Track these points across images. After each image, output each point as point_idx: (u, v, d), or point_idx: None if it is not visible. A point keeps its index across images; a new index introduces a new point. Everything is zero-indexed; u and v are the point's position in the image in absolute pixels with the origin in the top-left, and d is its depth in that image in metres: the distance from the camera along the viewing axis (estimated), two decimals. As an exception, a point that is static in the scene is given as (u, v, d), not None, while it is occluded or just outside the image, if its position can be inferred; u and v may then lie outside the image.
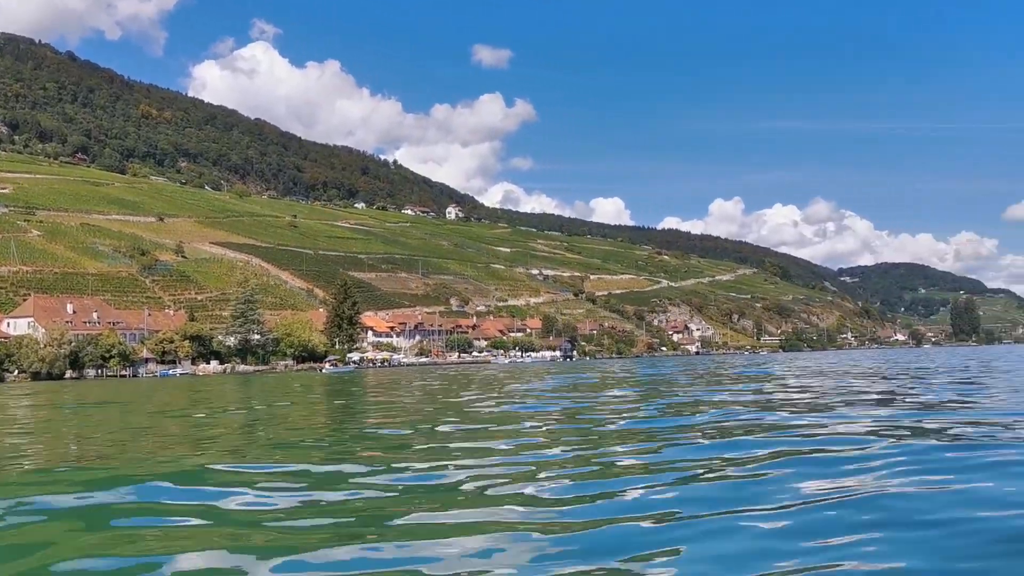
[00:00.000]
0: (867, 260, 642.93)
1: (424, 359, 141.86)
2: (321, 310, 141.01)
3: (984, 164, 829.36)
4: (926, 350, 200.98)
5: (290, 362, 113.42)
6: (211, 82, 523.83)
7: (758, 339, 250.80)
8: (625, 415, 17.84)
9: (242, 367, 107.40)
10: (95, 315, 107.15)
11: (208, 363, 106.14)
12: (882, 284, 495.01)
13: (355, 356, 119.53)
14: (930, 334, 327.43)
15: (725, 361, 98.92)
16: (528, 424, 16.34)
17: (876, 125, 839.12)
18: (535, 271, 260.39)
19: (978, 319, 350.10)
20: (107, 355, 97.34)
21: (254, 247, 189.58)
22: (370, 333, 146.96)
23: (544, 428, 15.61)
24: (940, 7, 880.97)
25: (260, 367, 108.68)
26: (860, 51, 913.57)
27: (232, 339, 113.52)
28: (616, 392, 27.92)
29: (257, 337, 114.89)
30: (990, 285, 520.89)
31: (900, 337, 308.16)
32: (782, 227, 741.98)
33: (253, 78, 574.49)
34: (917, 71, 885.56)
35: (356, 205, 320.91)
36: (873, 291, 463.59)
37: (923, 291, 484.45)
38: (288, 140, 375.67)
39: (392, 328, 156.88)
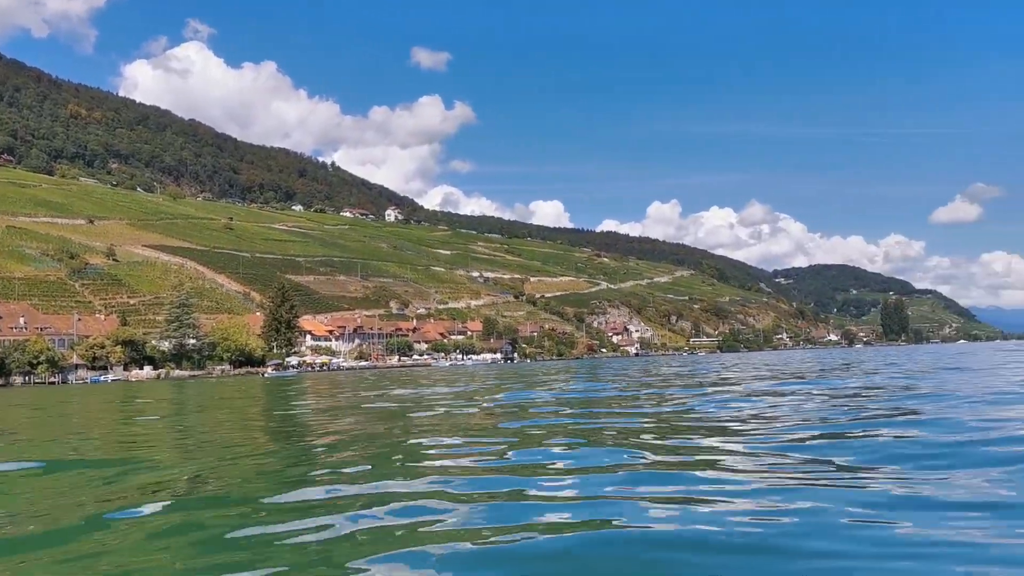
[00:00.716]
0: (801, 262, 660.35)
1: (364, 363, 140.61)
2: (258, 314, 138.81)
3: (912, 169, 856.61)
4: (857, 350, 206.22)
5: (227, 367, 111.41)
6: (143, 82, 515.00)
7: (695, 340, 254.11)
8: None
9: (177, 372, 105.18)
10: (22, 320, 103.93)
11: (141, 369, 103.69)
12: (815, 285, 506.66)
13: (293, 360, 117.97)
14: (862, 334, 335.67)
15: (685, 372, 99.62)
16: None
17: (809, 130, 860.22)
18: (475, 273, 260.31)
19: (907, 319, 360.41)
20: (35, 361, 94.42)
21: (189, 250, 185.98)
22: (308, 337, 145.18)
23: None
24: (876, 15, 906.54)
25: (196, 372, 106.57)
26: (794, 58, 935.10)
27: (166, 344, 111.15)
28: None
29: (193, 342, 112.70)
30: (918, 286, 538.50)
31: (833, 337, 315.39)
32: (719, 229, 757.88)
33: (187, 78, 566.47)
34: (847, 79, 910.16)
35: (294, 207, 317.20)
36: (807, 292, 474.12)
37: (855, 292, 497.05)
38: (223, 141, 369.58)
39: (331, 332, 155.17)
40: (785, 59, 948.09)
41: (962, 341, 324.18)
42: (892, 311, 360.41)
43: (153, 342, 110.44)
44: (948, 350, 77.40)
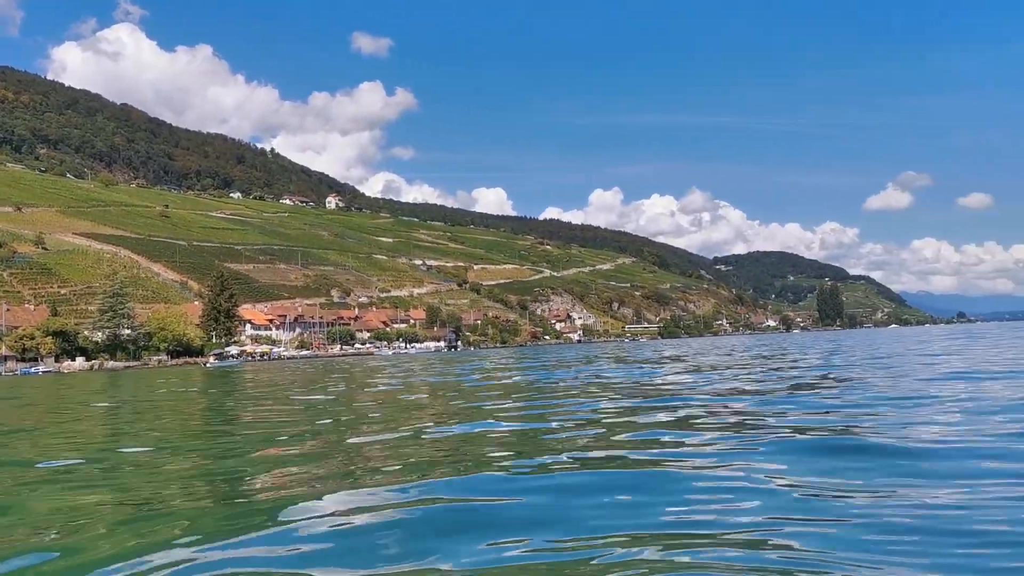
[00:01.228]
0: (740, 249, 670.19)
1: (305, 352, 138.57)
2: (196, 303, 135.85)
3: (846, 158, 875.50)
4: (795, 335, 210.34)
5: (164, 357, 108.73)
6: (72, 65, 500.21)
7: (637, 326, 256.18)
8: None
9: (111, 363, 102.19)
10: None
11: (74, 360, 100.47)
12: (754, 272, 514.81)
13: (233, 350, 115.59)
14: (799, 319, 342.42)
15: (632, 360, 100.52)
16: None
17: (748, 119, 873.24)
18: (418, 261, 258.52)
19: (842, 304, 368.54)
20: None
21: (122, 238, 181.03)
22: (248, 326, 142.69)
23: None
24: (808, 8, 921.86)
25: (131, 363, 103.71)
26: (731, 48, 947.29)
27: (100, 334, 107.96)
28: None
29: (128, 332, 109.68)
30: (852, 272, 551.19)
31: (771, 323, 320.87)
32: (660, 217, 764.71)
33: (118, 61, 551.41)
34: (785, 71, 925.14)
35: (232, 195, 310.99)
36: (746, 279, 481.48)
37: (792, 278, 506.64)
38: (157, 127, 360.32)
39: (271, 321, 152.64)
40: (723, 50, 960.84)
41: (894, 326, 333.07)
42: (828, 297, 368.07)
43: (86, 332, 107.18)
44: (880, 336, 79.50)
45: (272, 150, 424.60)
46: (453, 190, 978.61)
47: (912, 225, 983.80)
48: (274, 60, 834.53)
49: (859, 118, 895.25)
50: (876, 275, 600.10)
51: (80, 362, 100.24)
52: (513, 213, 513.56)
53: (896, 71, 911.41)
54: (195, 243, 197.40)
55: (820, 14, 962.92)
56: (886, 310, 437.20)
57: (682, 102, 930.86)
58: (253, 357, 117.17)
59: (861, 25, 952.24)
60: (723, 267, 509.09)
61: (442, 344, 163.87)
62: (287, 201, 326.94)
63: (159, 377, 55.16)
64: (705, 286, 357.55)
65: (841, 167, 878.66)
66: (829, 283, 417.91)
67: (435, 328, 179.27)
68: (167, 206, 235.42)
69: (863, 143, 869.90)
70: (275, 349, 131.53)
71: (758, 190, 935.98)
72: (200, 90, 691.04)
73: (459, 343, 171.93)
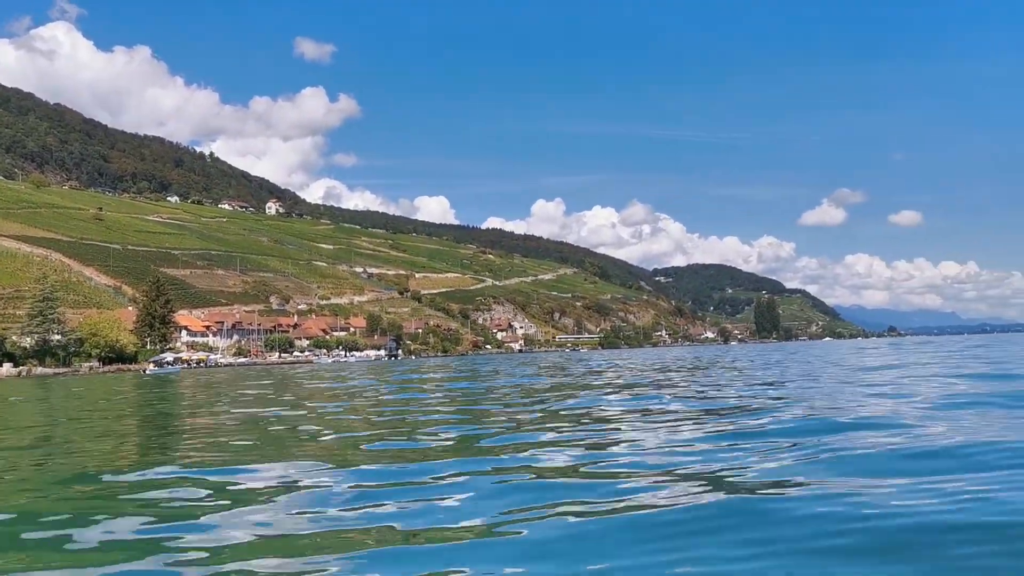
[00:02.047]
0: (680, 261, 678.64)
1: (243, 359, 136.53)
2: (131, 308, 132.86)
3: (783, 173, 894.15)
4: (732, 347, 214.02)
5: (95, 363, 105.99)
6: (4, 62, 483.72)
7: (578, 336, 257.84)
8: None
9: (40, 370, 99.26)
10: None
11: (1, 366, 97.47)
12: (693, 284, 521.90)
13: (168, 356, 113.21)
14: (736, 331, 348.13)
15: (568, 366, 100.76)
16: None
17: (688, 133, 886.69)
18: (359, 269, 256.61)
19: (778, 317, 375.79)
20: None
21: (54, 241, 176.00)
22: (184, 332, 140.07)
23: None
24: (747, 22, 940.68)
25: (61, 369, 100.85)
26: (673, 61, 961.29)
27: (29, 340, 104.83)
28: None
29: (58, 337, 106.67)
30: (788, 285, 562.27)
31: (710, 335, 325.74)
32: (601, 228, 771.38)
33: (53, 60, 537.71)
34: (724, 84, 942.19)
35: (169, 199, 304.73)
36: (685, 291, 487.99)
37: (730, 291, 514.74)
38: (92, 128, 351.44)
39: (208, 327, 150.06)
40: (665, 63, 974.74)
41: (828, 339, 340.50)
42: (765, 309, 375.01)
43: (14, 338, 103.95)
44: (818, 350, 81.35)
45: (211, 154, 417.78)
46: (395, 198, 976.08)
47: (846, 240, 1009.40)
48: (215, 63, 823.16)
49: (796, 134, 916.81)
50: (811, 289, 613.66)
51: (7, 368, 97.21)
52: (456, 222, 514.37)
53: (833, 87, 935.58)
54: (130, 247, 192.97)
55: (761, 29, 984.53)
56: (821, 323, 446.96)
57: (624, 114, 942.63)
58: (189, 364, 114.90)
59: (800, 41, 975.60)
60: (663, 279, 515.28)
61: (382, 353, 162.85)
62: (226, 206, 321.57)
63: (91, 385, 53.69)
64: (645, 297, 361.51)
65: (778, 182, 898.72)
66: (766, 296, 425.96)
67: (376, 336, 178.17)
68: (101, 208, 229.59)
69: (800, 159, 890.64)
70: (211, 356, 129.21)
71: (697, 203, 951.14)
72: (138, 91, 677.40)
73: (400, 352, 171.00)
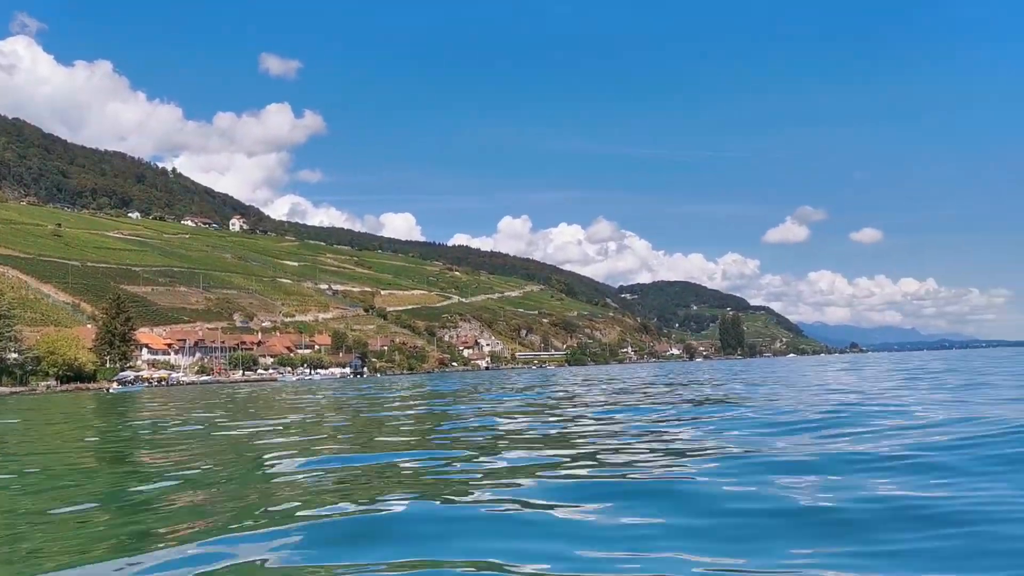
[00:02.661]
0: (645, 278, 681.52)
1: (205, 377, 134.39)
2: (90, 326, 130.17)
3: (747, 191, 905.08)
4: (698, 363, 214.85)
5: (53, 382, 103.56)
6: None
7: (545, 353, 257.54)
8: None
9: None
10: None
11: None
12: (659, 301, 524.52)
13: (129, 375, 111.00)
14: (701, 348, 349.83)
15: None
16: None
17: (653, 150, 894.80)
18: (324, 286, 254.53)
19: (743, 334, 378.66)
20: None
21: (10, 257, 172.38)
22: (145, 350, 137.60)
23: None
24: (715, 41, 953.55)
25: (17, 388, 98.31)
26: (637, 79, 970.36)
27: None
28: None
29: (14, 356, 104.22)
30: (752, 302, 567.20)
31: (675, 351, 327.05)
32: (567, 245, 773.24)
33: (12, 74, 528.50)
34: (687, 101, 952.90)
35: (130, 215, 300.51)
36: (651, 307, 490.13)
37: (695, 308, 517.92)
38: (52, 143, 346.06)
39: (170, 345, 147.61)
40: (630, 81, 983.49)
41: (791, 355, 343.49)
42: (729, 326, 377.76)
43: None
44: (782, 367, 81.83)
45: (174, 170, 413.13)
46: (361, 214, 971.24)
47: (809, 258, 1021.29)
48: (178, 78, 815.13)
49: (760, 152, 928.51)
50: (775, 306, 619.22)
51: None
52: (422, 238, 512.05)
53: (795, 107, 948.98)
54: (89, 264, 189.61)
55: (727, 50, 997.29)
56: (784, 340, 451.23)
57: (590, 132, 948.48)
58: (150, 383, 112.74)
59: (764, 62, 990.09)
60: (629, 296, 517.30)
61: (347, 370, 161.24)
62: (189, 222, 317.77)
63: (43, 405, 52.21)
64: (611, 314, 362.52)
65: (743, 200, 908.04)
66: (731, 313, 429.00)
67: (341, 354, 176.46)
68: (60, 225, 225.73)
69: (763, 177, 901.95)
70: (173, 374, 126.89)
71: (663, 221, 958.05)
72: (99, 106, 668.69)
73: (365, 369, 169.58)
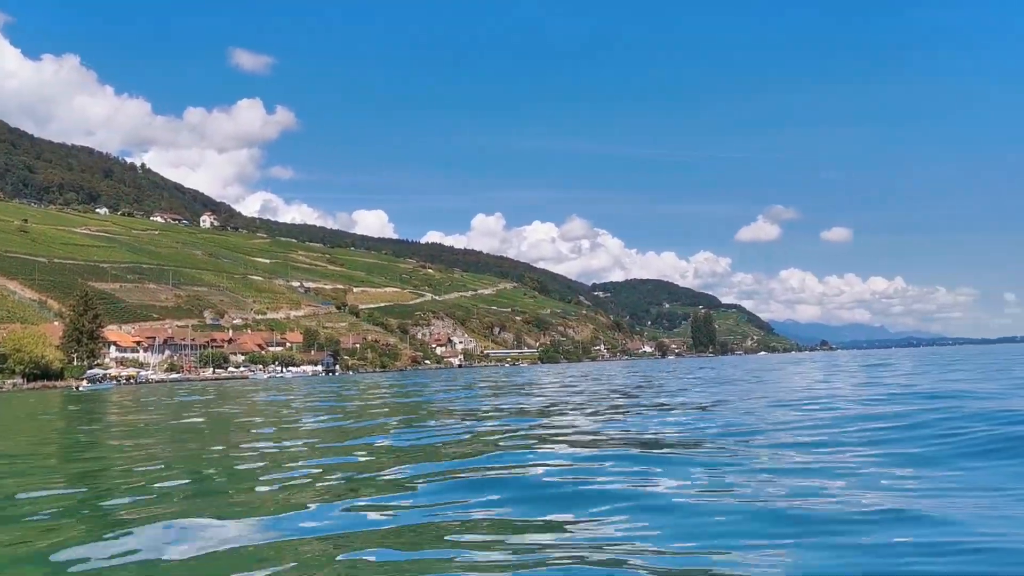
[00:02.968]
0: (618, 276, 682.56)
1: (175, 375, 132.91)
2: (57, 324, 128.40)
3: (720, 189, 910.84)
4: (670, 360, 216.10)
5: (19, 380, 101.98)
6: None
7: (518, 351, 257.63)
8: None
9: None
10: None
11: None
12: (631, 299, 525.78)
13: (97, 372, 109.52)
14: (673, 346, 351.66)
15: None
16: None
17: (627, 149, 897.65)
18: (296, 283, 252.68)
19: (714, 332, 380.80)
20: None
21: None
22: (113, 348, 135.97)
23: None
24: (690, 41, 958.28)
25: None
26: (612, 78, 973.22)
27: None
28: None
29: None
30: (724, 300, 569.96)
31: (647, 349, 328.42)
32: (541, 243, 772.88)
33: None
34: (661, 101, 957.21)
35: (98, 211, 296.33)
36: (623, 305, 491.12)
37: (667, 306, 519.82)
38: (18, 137, 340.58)
39: (139, 343, 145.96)
40: (604, 79, 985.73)
41: (762, 353, 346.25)
42: (701, 324, 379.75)
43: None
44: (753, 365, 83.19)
45: (143, 165, 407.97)
46: (333, 211, 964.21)
47: (780, 256, 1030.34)
48: (147, 72, 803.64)
49: (733, 152, 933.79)
50: (747, 304, 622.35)
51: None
52: (394, 236, 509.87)
53: (767, 107, 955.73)
54: (56, 260, 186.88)
55: (699, 52, 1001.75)
56: (756, 337, 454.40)
57: (564, 130, 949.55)
58: (118, 381, 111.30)
59: (736, 64, 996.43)
60: (601, 294, 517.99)
61: (319, 368, 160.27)
62: (158, 218, 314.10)
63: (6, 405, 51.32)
64: (584, 312, 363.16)
65: (715, 199, 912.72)
66: (703, 311, 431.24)
67: (312, 352, 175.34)
68: (26, 220, 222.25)
69: (736, 176, 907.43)
70: (142, 372, 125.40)
71: (636, 219, 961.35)
72: (66, 100, 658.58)
73: (337, 367, 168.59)
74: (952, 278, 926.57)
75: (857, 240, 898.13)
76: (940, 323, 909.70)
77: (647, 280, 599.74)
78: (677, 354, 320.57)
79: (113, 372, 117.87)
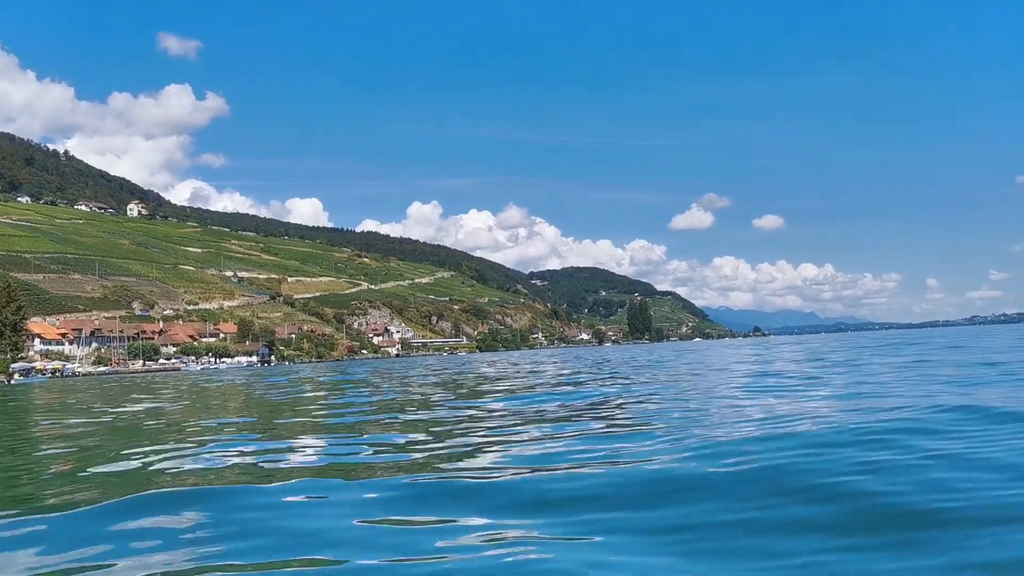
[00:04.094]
0: (555, 264, 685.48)
1: (103, 368, 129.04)
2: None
3: (654, 178, 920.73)
4: (607, 347, 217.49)
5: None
6: None
7: (456, 340, 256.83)
8: None
9: None
10: None
11: None
12: (568, 286, 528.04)
13: (24, 366, 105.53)
14: (610, 333, 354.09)
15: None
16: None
17: (561, 137, 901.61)
18: (229, 273, 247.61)
19: (650, 319, 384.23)
20: None
21: None
22: (37, 341, 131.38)
23: None
24: (624, 33, 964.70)
25: None
26: (544, 67, 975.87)
27: None
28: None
29: None
30: (659, 288, 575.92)
31: (585, 336, 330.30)
32: (478, 231, 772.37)
33: None
34: (595, 91, 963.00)
35: (19, 199, 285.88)
36: (561, 293, 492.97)
37: (603, 293, 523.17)
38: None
39: (64, 335, 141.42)
40: (540, 68, 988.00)
41: (697, 339, 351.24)
42: (637, 311, 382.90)
43: None
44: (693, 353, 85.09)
45: (66, 152, 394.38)
46: (266, 199, 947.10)
47: (713, 244, 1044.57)
48: (70, 57, 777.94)
49: (666, 140, 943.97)
50: (681, 291, 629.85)
51: None
52: (329, 224, 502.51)
53: (700, 97, 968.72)
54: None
55: (633, 40, 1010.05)
56: (690, 324, 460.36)
57: (499, 117, 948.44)
58: (43, 374, 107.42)
59: (670, 53, 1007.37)
60: (539, 282, 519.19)
61: (255, 359, 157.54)
62: (83, 207, 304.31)
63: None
64: (522, 300, 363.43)
65: (650, 187, 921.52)
66: (638, 298, 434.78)
67: (247, 342, 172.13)
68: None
69: (670, 164, 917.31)
70: (68, 366, 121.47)
71: (572, 207, 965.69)
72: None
73: (273, 358, 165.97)
74: (878, 264, 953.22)
75: (788, 228, 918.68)
76: (868, 308, 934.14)
77: (584, 268, 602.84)
78: (614, 341, 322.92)
79: (38, 365, 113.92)
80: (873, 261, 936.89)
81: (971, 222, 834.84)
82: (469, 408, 14.37)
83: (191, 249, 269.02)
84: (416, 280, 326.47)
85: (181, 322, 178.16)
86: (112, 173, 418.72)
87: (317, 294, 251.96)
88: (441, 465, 7.13)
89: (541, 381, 23.61)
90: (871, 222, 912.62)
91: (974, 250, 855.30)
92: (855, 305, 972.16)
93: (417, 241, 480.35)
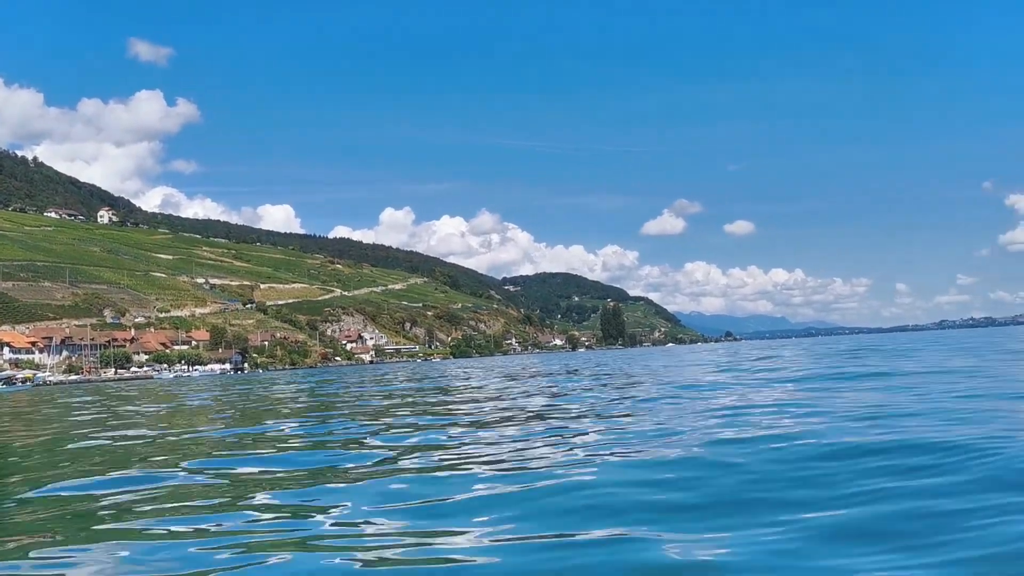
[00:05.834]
0: (528, 270, 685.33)
1: (74, 376, 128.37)
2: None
3: (626, 184, 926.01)
4: (580, 353, 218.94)
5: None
6: None
7: (430, 346, 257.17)
8: None
9: None
10: None
11: None
12: (541, 292, 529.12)
13: (4, 375, 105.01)
14: (584, 338, 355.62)
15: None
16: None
17: (534, 143, 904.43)
18: (201, 280, 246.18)
19: (623, 324, 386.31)
20: None
21: None
22: (7, 349, 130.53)
23: None
24: (595, 39, 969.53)
25: None
26: (518, 72, 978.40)
27: None
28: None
29: None
30: (632, 293, 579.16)
31: (558, 342, 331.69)
32: (451, 237, 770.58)
33: None
34: (568, 96, 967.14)
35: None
36: (534, 299, 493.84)
37: (577, 299, 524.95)
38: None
39: (34, 343, 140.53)
40: (512, 74, 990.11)
41: (670, 344, 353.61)
42: (610, 317, 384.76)
43: None
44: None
45: (35, 159, 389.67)
46: (238, 206, 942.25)
47: (685, 249, 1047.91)
48: (38, 62, 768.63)
49: (638, 146, 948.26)
50: (654, 296, 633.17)
51: None
52: (301, 231, 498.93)
53: (670, 103, 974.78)
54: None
55: (606, 46, 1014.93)
56: (663, 329, 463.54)
57: (471, 123, 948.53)
58: (13, 382, 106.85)
59: (641, 59, 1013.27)
60: (512, 288, 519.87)
61: (227, 367, 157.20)
62: (52, 214, 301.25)
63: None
64: (495, 306, 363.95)
65: (622, 192, 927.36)
66: (611, 304, 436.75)
67: (220, 350, 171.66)
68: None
69: (641, 170, 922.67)
70: (39, 374, 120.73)
71: (544, 213, 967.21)
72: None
73: (246, 365, 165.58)
74: (848, 269, 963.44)
75: (759, 233, 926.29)
76: (838, 313, 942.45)
77: (556, 274, 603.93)
78: (588, 346, 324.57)
79: (8, 374, 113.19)
80: (843, 266, 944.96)
81: (939, 227, 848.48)
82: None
83: (162, 256, 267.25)
84: (389, 286, 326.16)
85: (153, 329, 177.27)
86: (82, 180, 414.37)
87: (290, 301, 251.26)
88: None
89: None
90: (841, 227, 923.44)
91: (942, 255, 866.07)
92: (825, 310, 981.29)
93: (390, 247, 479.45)
